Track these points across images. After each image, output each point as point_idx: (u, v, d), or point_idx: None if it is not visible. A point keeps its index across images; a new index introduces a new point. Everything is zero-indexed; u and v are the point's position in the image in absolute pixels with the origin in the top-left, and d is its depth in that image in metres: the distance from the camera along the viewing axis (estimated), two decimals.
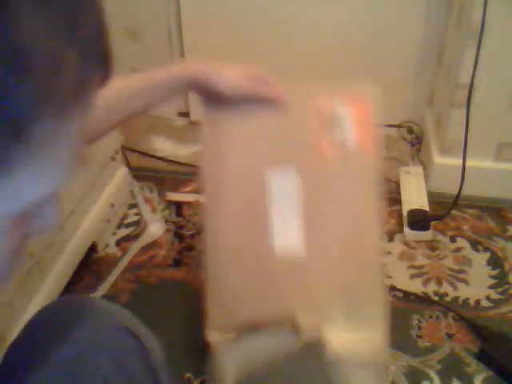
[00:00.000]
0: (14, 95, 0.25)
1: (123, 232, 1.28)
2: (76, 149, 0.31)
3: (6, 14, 0.24)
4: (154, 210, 1.35)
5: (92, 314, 0.61)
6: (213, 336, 0.79)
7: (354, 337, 0.74)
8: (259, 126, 0.78)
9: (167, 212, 1.34)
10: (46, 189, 0.30)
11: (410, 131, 1.62)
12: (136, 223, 1.31)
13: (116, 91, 0.69)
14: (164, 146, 1.61)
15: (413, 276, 1.16)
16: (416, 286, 1.14)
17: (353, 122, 0.76)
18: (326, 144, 0.76)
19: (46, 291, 0.99)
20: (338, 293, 0.76)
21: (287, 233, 0.77)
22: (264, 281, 0.78)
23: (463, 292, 1.13)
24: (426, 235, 1.25)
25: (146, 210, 1.35)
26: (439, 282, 1.15)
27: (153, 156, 1.56)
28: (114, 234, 1.27)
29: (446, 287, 1.14)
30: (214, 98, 0.78)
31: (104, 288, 1.13)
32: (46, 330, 0.59)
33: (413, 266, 1.19)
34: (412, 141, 1.59)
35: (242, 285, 0.79)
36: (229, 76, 0.75)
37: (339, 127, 0.77)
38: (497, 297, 1.11)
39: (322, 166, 0.77)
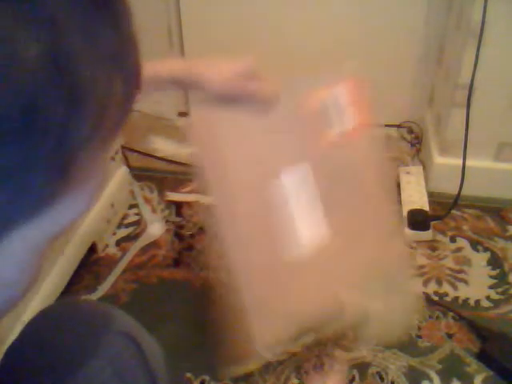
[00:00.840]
0: (71, 136, 0.26)
1: (123, 232, 1.28)
2: (106, 166, 0.31)
3: (63, 51, 0.25)
4: (154, 210, 1.35)
5: (92, 318, 0.61)
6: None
7: (388, 304, 0.76)
8: (254, 124, 0.76)
9: (167, 212, 1.34)
10: (83, 209, 0.31)
11: (410, 131, 1.62)
12: (136, 223, 1.31)
13: None
14: (164, 146, 1.61)
15: (413, 276, 1.16)
16: (416, 286, 1.14)
17: (346, 107, 0.77)
18: (324, 132, 0.77)
19: (46, 291, 0.99)
20: (367, 266, 0.77)
21: (311, 223, 0.76)
22: (295, 282, 0.75)
23: (463, 292, 1.13)
24: (426, 235, 1.25)
25: (146, 210, 1.35)
26: (439, 282, 1.15)
27: (153, 156, 1.56)
28: (114, 234, 1.27)
29: (446, 287, 1.14)
30: (203, 95, 0.77)
31: (104, 288, 1.13)
32: (44, 333, 0.59)
33: (413, 266, 1.19)
34: (412, 141, 1.59)
35: (276, 294, 0.75)
36: (217, 75, 0.73)
37: (335, 115, 0.77)
38: (497, 297, 1.11)
39: (325, 152, 0.77)
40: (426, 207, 1.30)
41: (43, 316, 0.61)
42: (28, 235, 0.28)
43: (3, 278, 0.29)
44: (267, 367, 0.97)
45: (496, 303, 1.10)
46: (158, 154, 1.56)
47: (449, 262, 1.20)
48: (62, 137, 0.25)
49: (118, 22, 0.28)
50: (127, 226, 1.30)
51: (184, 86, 0.76)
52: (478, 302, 1.10)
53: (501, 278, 1.16)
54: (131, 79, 0.29)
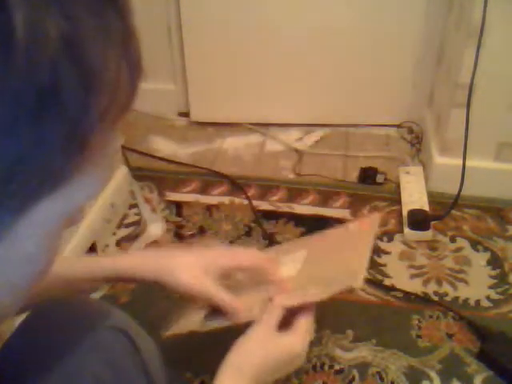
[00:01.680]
0: (87, 114, 0.27)
1: (123, 232, 1.28)
2: (116, 152, 0.33)
3: (79, 36, 0.26)
4: (153, 210, 1.35)
5: (87, 315, 0.61)
6: None
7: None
8: None
9: (167, 212, 1.34)
10: (97, 189, 0.33)
11: (410, 131, 1.62)
12: (136, 223, 1.31)
13: (71, 270, 0.66)
14: (164, 146, 1.61)
15: (413, 276, 1.16)
16: (416, 286, 1.14)
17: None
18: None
19: None
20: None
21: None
22: None
23: (463, 292, 1.12)
24: (426, 235, 1.25)
25: (145, 210, 1.35)
26: (439, 282, 1.15)
27: (153, 156, 1.56)
28: (114, 234, 1.27)
29: (445, 287, 1.14)
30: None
31: (104, 288, 1.13)
32: (40, 330, 0.59)
33: (413, 266, 1.19)
34: (412, 141, 1.59)
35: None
36: (184, 276, 0.66)
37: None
38: (497, 297, 1.11)
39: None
40: (426, 207, 1.30)
41: (37, 313, 0.61)
42: (48, 210, 0.30)
43: (25, 251, 0.31)
44: None
45: (496, 303, 1.10)
46: (158, 154, 1.56)
47: (449, 262, 1.20)
48: (77, 118, 0.27)
49: (124, 14, 0.30)
50: (127, 226, 1.30)
51: (152, 283, 0.69)
52: (477, 301, 1.10)
53: (501, 278, 1.16)
54: (135, 67, 0.31)
